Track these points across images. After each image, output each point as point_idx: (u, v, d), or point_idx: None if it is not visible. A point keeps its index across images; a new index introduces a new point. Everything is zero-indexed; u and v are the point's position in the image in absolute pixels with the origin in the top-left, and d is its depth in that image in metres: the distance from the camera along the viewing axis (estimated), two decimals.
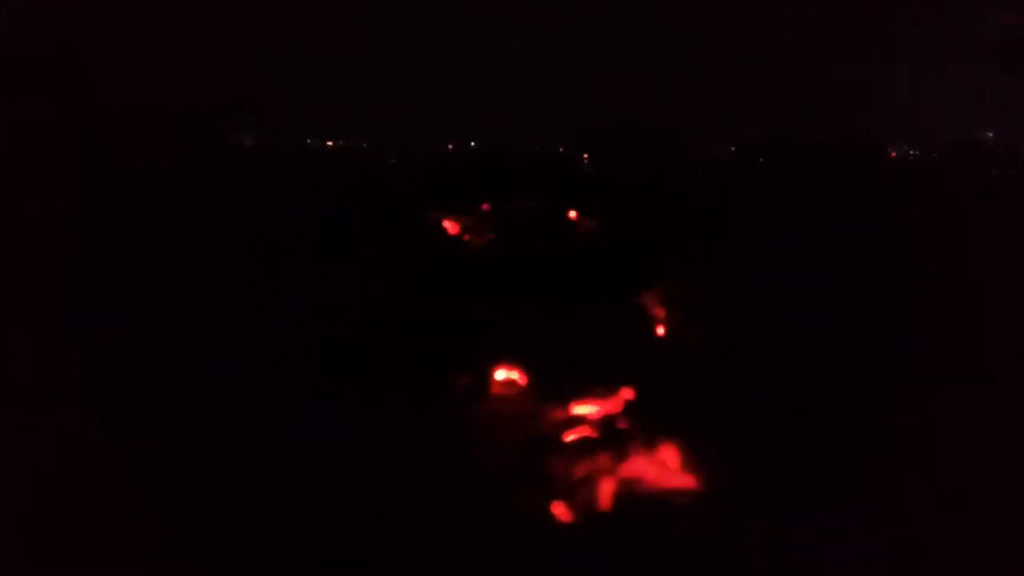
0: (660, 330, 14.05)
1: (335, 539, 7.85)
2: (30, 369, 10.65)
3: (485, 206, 24.14)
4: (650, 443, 9.45)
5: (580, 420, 10.36)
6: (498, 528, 8.12)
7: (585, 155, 33.39)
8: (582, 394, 10.66)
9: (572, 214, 23.47)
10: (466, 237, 21.82)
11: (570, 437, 10.01)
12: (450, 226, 22.29)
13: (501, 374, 11.63)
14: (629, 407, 10.58)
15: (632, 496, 8.92)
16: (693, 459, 9.16)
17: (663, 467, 9.24)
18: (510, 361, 11.64)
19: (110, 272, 14.77)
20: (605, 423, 10.23)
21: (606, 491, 9.02)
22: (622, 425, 10.11)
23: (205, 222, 19.58)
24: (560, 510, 8.79)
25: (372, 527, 7.98)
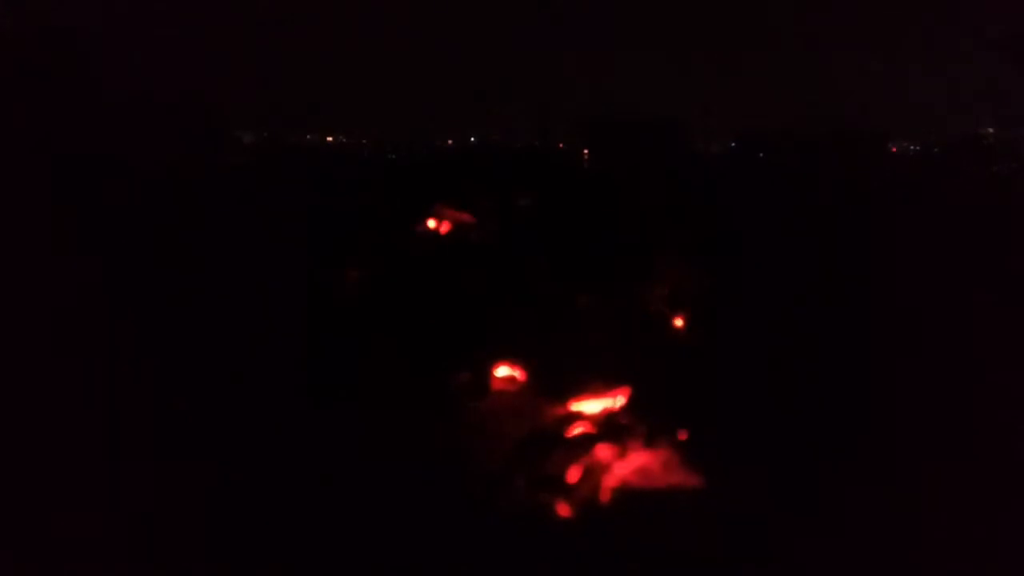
0: (660, 327, 14.01)
1: (337, 534, 7.85)
2: (29, 366, 10.63)
3: (485, 202, 24.04)
4: (650, 439, 9.45)
5: (580, 416, 10.35)
6: (498, 523, 8.12)
7: (585, 151, 33.29)
8: (582, 391, 10.66)
9: (572, 209, 23.36)
10: (466, 232, 21.73)
11: (570, 433, 10.00)
12: (450, 222, 22.19)
13: (502, 371, 11.61)
14: (629, 404, 10.57)
15: (632, 492, 8.92)
16: (692, 455, 9.16)
17: (663, 464, 9.23)
18: (511, 358, 11.62)
19: (108, 268, 14.75)
20: (605, 419, 10.22)
21: (606, 487, 9.02)
22: (622, 421, 10.09)
23: (204, 218, 19.56)
24: (560, 505, 8.79)
25: (373, 522, 7.98)
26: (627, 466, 9.23)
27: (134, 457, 8.88)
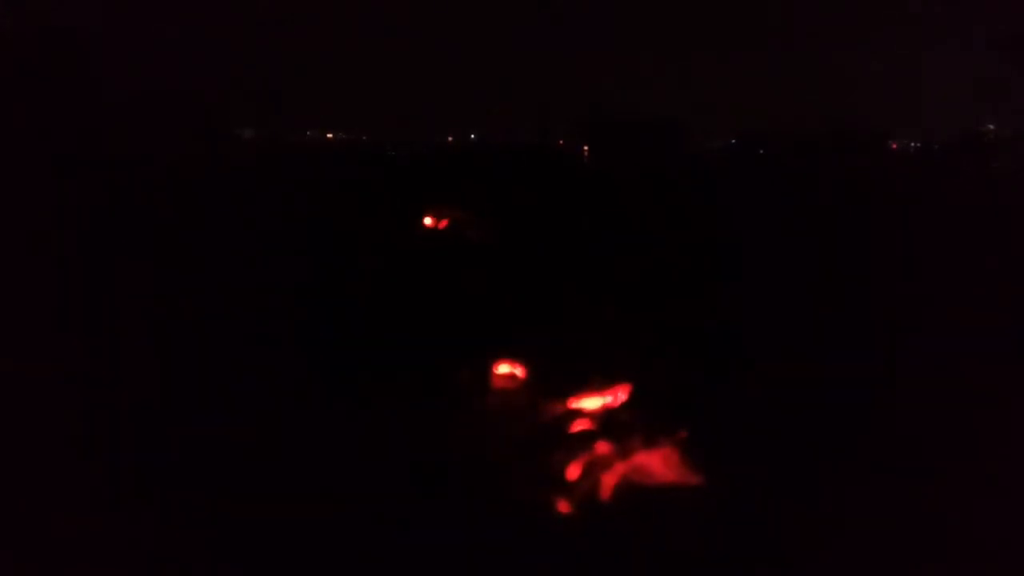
0: (661, 323, 13.97)
1: (334, 533, 7.83)
2: (29, 366, 10.63)
3: (485, 200, 24.08)
4: (651, 437, 9.42)
5: (581, 414, 10.33)
6: (498, 522, 8.10)
7: (585, 148, 33.31)
8: (583, 388, 10.63)
9: (572, 207, 23.42)
10: (466, 230, 21.77)
11: (571, 431, 9.99)
12: (450, 220, 22.23)
13: (502, 368, 11.59)
14: (630, 401, 10.54)
15: (633, 490, 8.90)
16: (694, 453, 9.14)
17: (664, 461, 9.21)
18: (511, 355, 11.61)
19: (108, 267, 14.78)
20: (606, 417, 10.20)
21: (607, 485, 9.00)
22: (623, 419, 10.07)
23: (204, 215, 19.60)
24: (561, 504, 8.77)
25: (371, 521, 7.96)
26: (628, 463, 9.21)
27: (135, 457, 8.88)
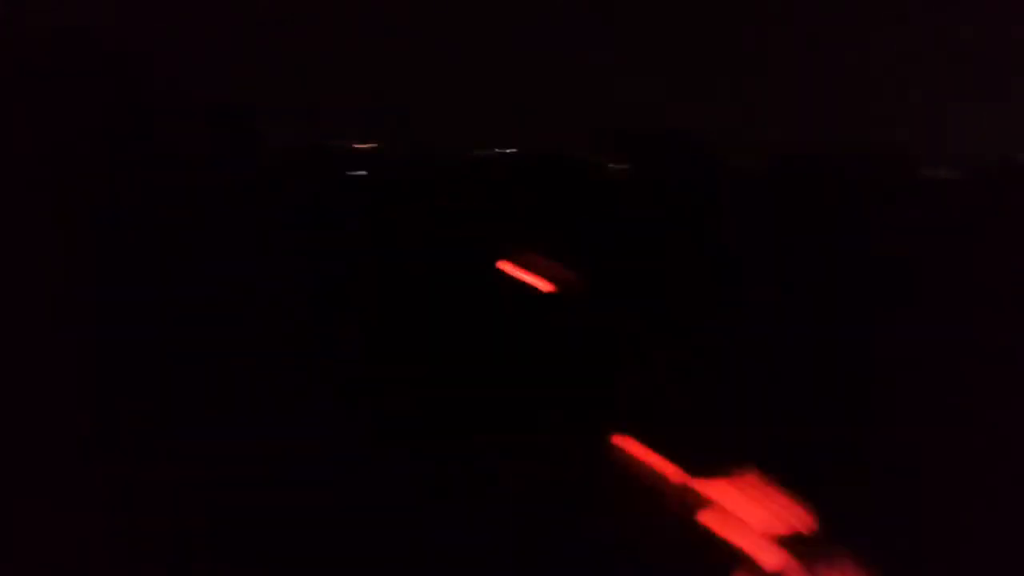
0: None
1: (334, 533, 7.86)
2: (27, 366, 10.68)
3: (511, 212, 24.09)
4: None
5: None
6: (498, 528, 8.11)
7: (608, 162, 33.33)
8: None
9: (589, 220, 23.36)
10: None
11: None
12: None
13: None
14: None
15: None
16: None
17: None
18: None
19: (123, 273, 14.89)
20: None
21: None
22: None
23: (227, 222, 19.75)
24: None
25: (372, 528, 8.00)
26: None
27: (136, 457, 8.93)
